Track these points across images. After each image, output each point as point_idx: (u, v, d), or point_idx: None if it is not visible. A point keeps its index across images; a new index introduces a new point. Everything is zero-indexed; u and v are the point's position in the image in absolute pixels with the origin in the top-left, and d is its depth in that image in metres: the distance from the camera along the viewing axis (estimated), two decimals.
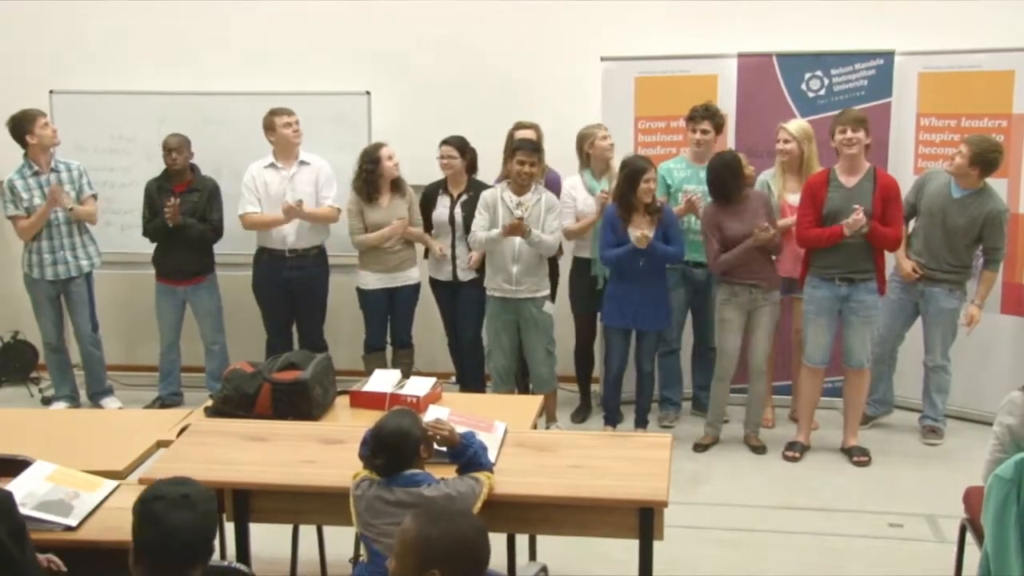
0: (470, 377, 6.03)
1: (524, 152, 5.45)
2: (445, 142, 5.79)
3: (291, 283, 5.99)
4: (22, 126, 5.81)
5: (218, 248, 6.18)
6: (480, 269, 5.78)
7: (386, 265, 5.87)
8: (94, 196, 6.04)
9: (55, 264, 5.94)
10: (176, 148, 5.94)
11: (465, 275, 5.86)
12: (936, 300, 5.47)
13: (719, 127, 5.68)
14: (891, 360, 5.78)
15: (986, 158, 5.23)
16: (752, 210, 5.33)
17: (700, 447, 5.59)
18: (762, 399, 5.64)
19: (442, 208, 5.85)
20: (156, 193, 6.02)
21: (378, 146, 5.82)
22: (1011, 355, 5.76)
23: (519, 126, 5.85)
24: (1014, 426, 3.25)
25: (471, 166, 5.88)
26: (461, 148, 5.78)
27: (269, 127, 5.89)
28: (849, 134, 5.16)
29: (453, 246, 5.84)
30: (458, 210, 5.76)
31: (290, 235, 5.93)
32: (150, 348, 6.40)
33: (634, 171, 5.35)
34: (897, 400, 5.96)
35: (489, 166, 5.96)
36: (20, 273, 6.08)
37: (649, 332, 5.62)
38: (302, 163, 5.97)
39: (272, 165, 5.96)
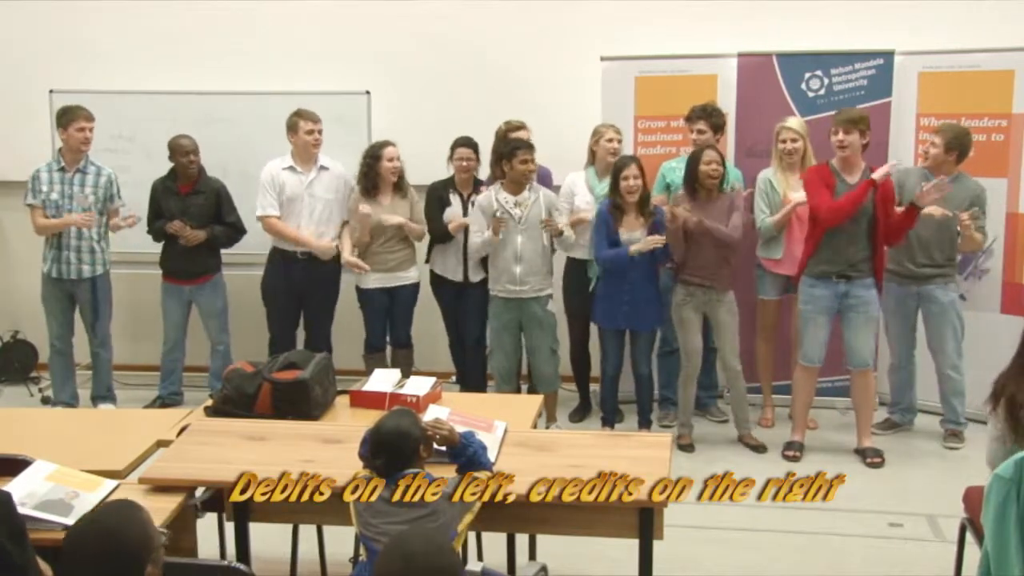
0: (471, 377, 6.02)
1: (524, 151, 5.46)
2: (463, 144, 5.77)
3: (301, 285, 5.97)
4: (61, 120, 5.82)
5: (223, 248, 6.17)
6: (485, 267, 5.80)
7: (385, 265, 5.87)
8: (122, 207, 6.01)
9: (58, 263, 5.91)
10: (194, 151, 5.96)
11: (476, 276, 5.84)
12: (935, 297, 5.47)
13: (717, 127, 5.67)
14: (909, 366, 5.74)
15: (961, 142, 5.30)
16: (718, 209, 5.35)
17: (685, 447, 5.57)
18: (743, 397, 5.64)
19: (457, 208, 5.82)
20: (161, 194, 6.03)
21: (384, 144, 5.81)
22: (1011, 355, 5.73)
23: (511, 127, 5.84)
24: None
25: None
26: (476, 149, 5.79)
27: (292, 128, 5.87)
28: (841, 136, 5.17)
29: (466, 247, 5.81)
30: (471, 209, 5.74)
31: None
32: (151, 347, 6.39)
33: (615, 170, 5.41)
34: (884, 397, 5.96)
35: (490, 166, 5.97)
36: (20, 273, 6.09)
37: (642, 333, 5.62)
38: (322, 168, 5.94)
39: (291, 168, 5.93)
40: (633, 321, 5.57)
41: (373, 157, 5.77)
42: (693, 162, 5.39)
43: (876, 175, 5.08)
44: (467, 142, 5.79)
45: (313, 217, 5.91)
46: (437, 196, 5.87)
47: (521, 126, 5.84)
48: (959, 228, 5.33)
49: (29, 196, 5.88)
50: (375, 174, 5.77)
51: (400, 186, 5.84)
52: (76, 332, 6.13)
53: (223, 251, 6.20)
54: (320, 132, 5.87)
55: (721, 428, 5.91)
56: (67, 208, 5.85)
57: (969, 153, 5.35)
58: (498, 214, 5.46)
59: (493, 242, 5.50)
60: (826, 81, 5.89)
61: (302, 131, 5.83)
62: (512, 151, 5.50)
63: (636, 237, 5.41)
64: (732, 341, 5.51)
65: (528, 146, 5.52)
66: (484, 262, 5.78)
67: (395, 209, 5.83)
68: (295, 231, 5.88)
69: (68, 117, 5.79)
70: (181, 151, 5.95)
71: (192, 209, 5.99)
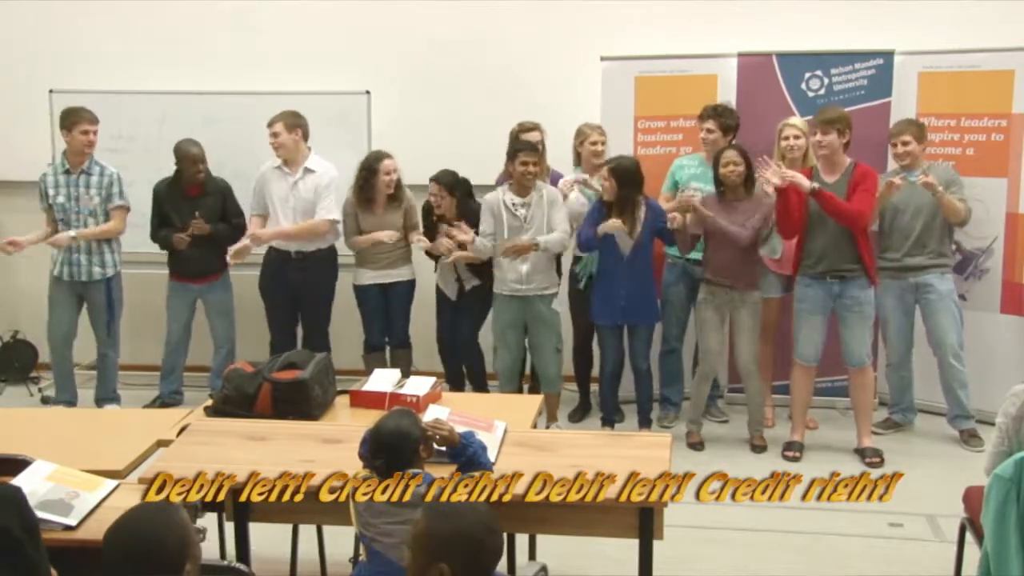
0: (472, 377, 6.00)
1: (526, 153, 5.47)
2: (433, 179, 5.71)
3: (296, 284, 5.98)
4: (64, 122, 5.79)
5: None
6: (483, 274, 5.77)
7: (380, 262, 5.88)
8: (123, 207, 5.95)
9: (68, 264, 5.90)
10: (203, 159, 5.93)
11: (469, 284, 5.83)
12: (934, 286, 5.49)
13: (726, 128, 5.62)
14: (908, 364, 5.73)
15: (921, 127, 5.47)
16: (744, 210, 5.36)
17: (695, 445, 5.59)
18: (758, 399, 5.63)
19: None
20: (167, 199, 6.01)
21: (380, 157, 5.80)
22: (1012, 355, 5.75)
23: (523, 128, 5.82)
24: (1017, 417, 3.23)
25: (467, 194, 5.80)
26: (450, 186, 5.69)
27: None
28: (819, 136, 5.18)
29: (455, 268, 5.80)
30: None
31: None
32: (152, 347, 6.39)
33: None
34: (885, 397, 5.95)
35: (489, 167, 5.95)
36: (20, 273, 6.09)
37: (640, 327, 5.61)
38: (307, 171, 5.93)
39: (279, 168, 5.94)
40: (630, 316, 5.56)
41: (370, 171, 5.77)
42: (716, 163, 5.41)
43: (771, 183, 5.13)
44: (438, 178, 5.69)
45: (296, 217, 5.91)
46: (427, 211, 5.88)
47: (534, 127, 5.82)
48: (934, 194, 5.35)
49: (41, 201, 5.87)
50: (371, 187, 5.78)
51: (395, 196, 5.85)
52: (78, 333, 6.12)
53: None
54: (275, 136, 5.83)
55: (721, 428, 5.91)
56: (74, 211, 5.84)
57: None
58: (506, 221, 5.46)
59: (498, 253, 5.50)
60: (826, 81, 5.89)
61: (270, 136, 5.87)
62: (514, 152, 5.51)
63: (622, 236, 5.42)
64: (749, 343, 5.47)
65: (531, 148, 5.51)
66: (478, 271, 5.75)
67: (388, 217, 5.84)
68: (278, 228, 5.92)
69: (72, 120, 5.77)
70: (190, 160, 5.90)
71: (202, 211, 5.97)
